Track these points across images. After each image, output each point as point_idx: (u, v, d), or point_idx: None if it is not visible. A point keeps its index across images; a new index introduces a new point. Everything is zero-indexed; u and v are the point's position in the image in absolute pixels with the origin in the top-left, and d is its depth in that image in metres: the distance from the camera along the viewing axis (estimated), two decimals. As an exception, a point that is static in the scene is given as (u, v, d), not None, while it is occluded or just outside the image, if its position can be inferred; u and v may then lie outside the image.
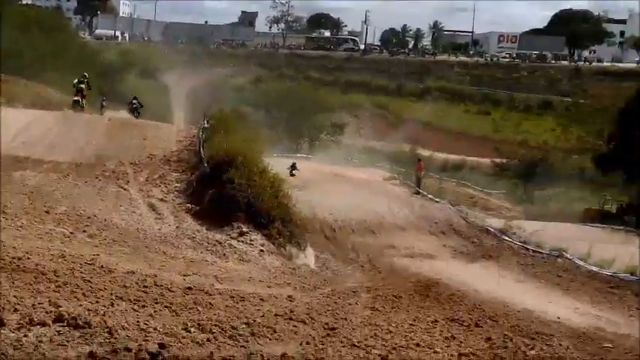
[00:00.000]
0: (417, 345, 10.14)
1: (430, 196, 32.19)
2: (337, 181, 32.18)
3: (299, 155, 41.38)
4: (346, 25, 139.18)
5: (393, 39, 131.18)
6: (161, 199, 18.74)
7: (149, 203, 18.20)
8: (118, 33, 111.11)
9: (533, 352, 10.66)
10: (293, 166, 31.74)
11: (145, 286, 10.25)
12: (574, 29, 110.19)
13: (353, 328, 10.44)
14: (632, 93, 43.51)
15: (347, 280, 16.43)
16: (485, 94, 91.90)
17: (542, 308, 15.16)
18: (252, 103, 61.75)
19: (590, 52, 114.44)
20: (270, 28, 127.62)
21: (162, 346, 6.76)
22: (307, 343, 9.11)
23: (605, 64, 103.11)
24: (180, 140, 25.21)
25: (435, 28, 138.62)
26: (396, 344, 10.03)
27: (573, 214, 42.74)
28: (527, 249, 24.43)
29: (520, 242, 25.48)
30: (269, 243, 16.87)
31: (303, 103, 63.35)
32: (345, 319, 11.01)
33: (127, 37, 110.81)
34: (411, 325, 11.40)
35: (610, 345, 12.33)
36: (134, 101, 37.93)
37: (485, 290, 16.37)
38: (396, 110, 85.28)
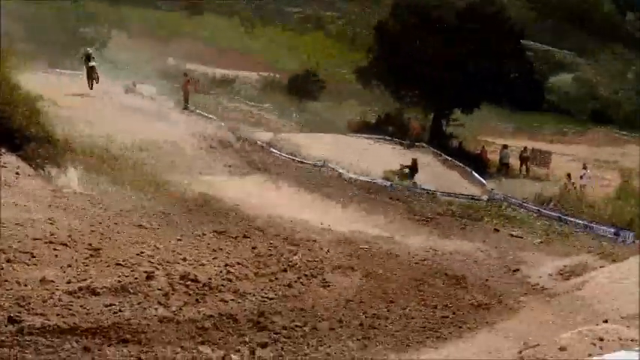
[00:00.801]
0: (184, 259, 10.23)
1: (199, 111, 31.87)
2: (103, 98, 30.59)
3: (69, 72, 38.49)
4: None
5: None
6: None
7: None
8: None
9: (296, 257, 11.23)
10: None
11: None
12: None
13: (119, 248, 10.27)
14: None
15: (115, 200, 15.92)
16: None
17: (307, 216, 15.85)
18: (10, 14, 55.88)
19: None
20: None
21: None
22: (69, 266, 8.82)
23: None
24: None
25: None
26: (163, 260, 10.05)
27: (339, 125, 44.93)
28: (294, 160, 25.29)
29: (288, 154, 26.30)
30: (25, 165, 15.73)
31: (67, 15, 58.61)
32: (110, 238, 10.76)
33: None
34: (178, 240, 11.45)
35: (367, 246, 13.31)
36: None
37: (254, 203, 16.71)
38: (168, 25, 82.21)
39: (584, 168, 32.30)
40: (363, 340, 8.28)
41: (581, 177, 29.79)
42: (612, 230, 13.36)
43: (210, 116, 30.06)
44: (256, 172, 22.17)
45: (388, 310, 9.31)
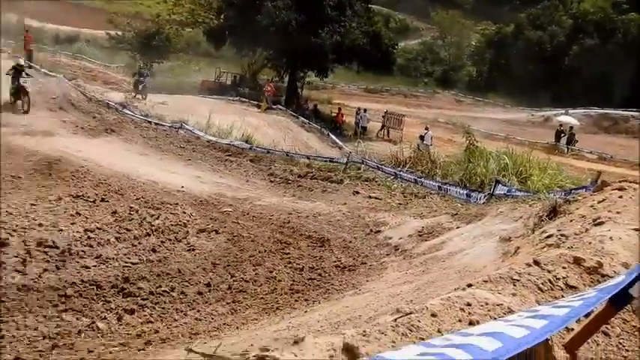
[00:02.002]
0: (40, 225, 9.73)
1: (44, 70, 30.09)
2: None
3: None
4: None
5: None
6: None
7: None
8: None
9: (158, 221, 10.98)
10: None
11: None
12: None
13: (-33, 215, 9.56)
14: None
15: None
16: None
17: (166, 179, 15.53)
18: None
19: None
20: None
21: None
22: None
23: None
24: None
25: None
26: (17, 226, 9.51)
27: (192, 86, 44.17)
28: (150, 122, 24.61)
29: (142, 115, 25.55)
30: None
31: None
32: (-44, 206, 10.01)
33: None
34: (32, 205, 10.84)
35: (230, 209, 13.24)
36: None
37: (110, 165, 16.15)
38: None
39: (427, 129, 34.09)
40: (233, 304, 8.25)
41: (421, 137, 31.39)
42: (465, 192, 14.04)
43: (57, 75, 28.42)
44: (110, 134, 21.39)
45: (256, 274, 9.31)
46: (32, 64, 31.61)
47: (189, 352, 3.57)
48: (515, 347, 2.14)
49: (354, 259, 10.32)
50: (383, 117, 42.84)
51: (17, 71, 23.27)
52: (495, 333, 2.25)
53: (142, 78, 33.51)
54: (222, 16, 45.12)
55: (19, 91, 22.96)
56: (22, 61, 24.99)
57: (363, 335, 3.06)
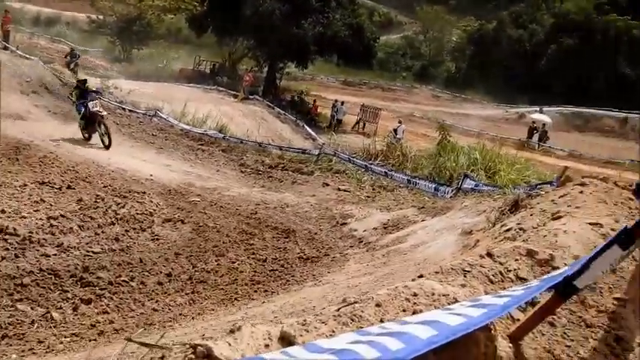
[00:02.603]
0: (2, 212, 9.67)
1: (20, 52, 29.72)
2: None
3: None
4: None
5: None
6: None
7: None
8: None
9: (124, 210, 10.94)
10: None
11: None
12: None
13: None
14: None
15: None
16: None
17: (136, 167, 15.49)
18: None
19: None
20: None
21: None
22: None
23: None
24: None
25: None
26: (-20, 213, 9.44)
27: (170, 73, 43.91)
28: (124, 109, 24.45)
29: (117, 102, 25.37)
30: None
31: None
32: None
33: None
34: (-4, 191, 10.76)
35: (197, 199, 13.23)
36: None
37: (79, 152, 16.09)
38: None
39: (400, 123, 34.33)
40: (192, 294, 8.27)
41: (394, 130, 31.61)
42: (433, 186, 14.18)
43: (33, 58, 28.08)
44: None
45: (218, 264, 9.33)
46: (8, 45, 31.27)
47: (128, 342, 3.58)
48: (450, 334, 2.18)
49: (317, 250, 10.39)
50: (359, 110, 42.95)
51: (81, 91, 18.19)
52: (432, 321, 2.28)
53: (74, 58, 37.27)
54: (205, 3, 44.80)
55: (91, 120, 17.58)
56: (83, 77, 21.44)
57: (302, 325, 3.09)
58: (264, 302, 7.67)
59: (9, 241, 8.70)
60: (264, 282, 8.80)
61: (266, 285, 8.67)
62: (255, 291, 8.40)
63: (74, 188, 11.95)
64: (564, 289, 2.75)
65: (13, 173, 12.32)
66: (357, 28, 46.20)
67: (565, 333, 3.69)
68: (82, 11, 60.27)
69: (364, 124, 41.66)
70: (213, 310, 7.65)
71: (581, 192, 6.84)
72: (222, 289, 8.51)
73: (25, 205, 10.35)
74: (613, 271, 3.80)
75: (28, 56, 28.73)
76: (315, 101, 43.93)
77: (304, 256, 10.00)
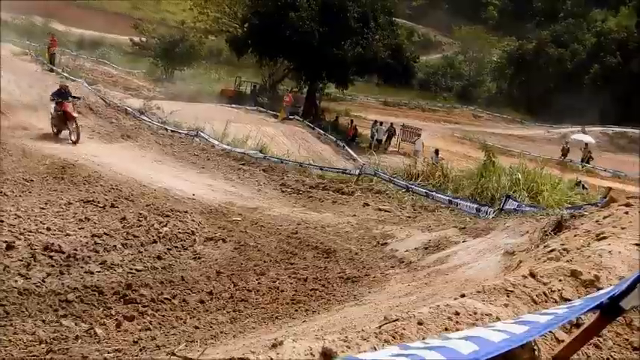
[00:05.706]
0: (48, 229, 9.84)
1: (66, 74, 30.47)
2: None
3: None
4: None
5: None
6: None
7: None
8: None
9: (166, 228, 11.04)
10: None
11: None
12: None
13: (-30, 218, 9.70)
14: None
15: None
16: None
17: (178, 187, 15.62)
18: None
19: None
20: None
21: None
22: None
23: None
24: None
25: None
26: (24, 229, 9.62)
27: (211, 94, 44.45)
28: (166, 129, 24.83)
29: (159, 122, 25.77)
30: None
31: None
32: (-40, 208, 10.16)
33: None
34: (42, 209, 10.98)
35: (239, 218, 13.29)
36: None
37: (123, 171, 16.30)
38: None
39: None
40: (233, 312, 8.26)
41: (436, 151, 31.53)
42: (475, 206, 14.00)
43: (78, 80, 28.74)
44: (126, 140, 21.61)
45: (259, 283, 9.32)
46: (54, 68, 32.08)
47: (171, 357, 3.58)
48: (492, 350, 2.14)
49: (358, 270, 10.29)
50: (400, 130, 42.91)
51: (61, 94, 20.50)
52: (474, 337, 2.25)
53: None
54: (245, 25, 45.34)
55: (64, 117, 19.82)
56: (65, 82, 23.49)
57: (344, 341, 3.06)
58: (304, 321, 7.62)
59: (54, 258, 8.84)
60: (305, 301, 8.74)
61: (307, 304, 8.60)
62: (296, 310, 8.34)
63: (117, 207, 12.11)
64: (610, 310, 2.66)
65: (58, 192, 12.56)
66: (397, 49, 46.16)
67: (611, 356, 3.60)
68: (124, 34, 61.55)
69: (398, 144, 41.68)
70: (254, 328, 7.62)
71: (627, 212, 6.70)
72: (263, 307, 8.48)
73: (70, 223, 10.52)
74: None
75: (73, 78, 29.44)
76: (352, 121, 43.98)
77: (345, 276, 9.92)
